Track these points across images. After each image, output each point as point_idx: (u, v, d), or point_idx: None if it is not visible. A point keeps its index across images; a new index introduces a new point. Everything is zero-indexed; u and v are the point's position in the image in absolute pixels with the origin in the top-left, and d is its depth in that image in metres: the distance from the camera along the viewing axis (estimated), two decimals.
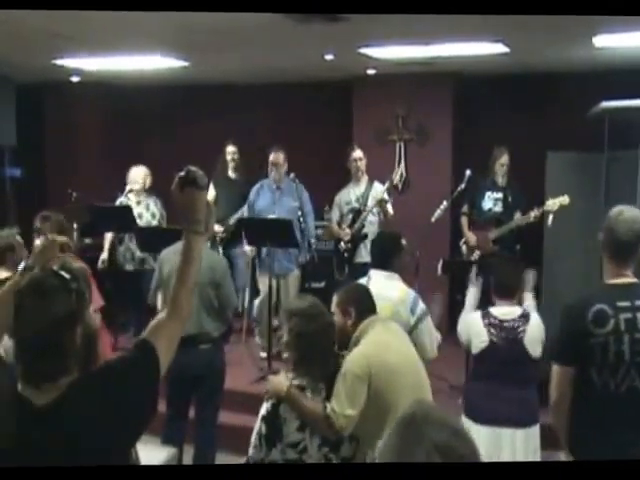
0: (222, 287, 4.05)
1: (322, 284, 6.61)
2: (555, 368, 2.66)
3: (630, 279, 2.61)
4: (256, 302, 5.89)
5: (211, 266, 4.01)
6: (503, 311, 3.50)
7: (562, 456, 2.73)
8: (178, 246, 4.23)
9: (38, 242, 3.83)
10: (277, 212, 5.63)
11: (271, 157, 5.74)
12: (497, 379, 3.40)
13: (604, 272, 2.66)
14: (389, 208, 5.79)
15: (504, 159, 5.89)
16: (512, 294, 3.55)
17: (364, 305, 2.96)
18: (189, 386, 4.12)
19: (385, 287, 3.62)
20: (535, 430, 3.46)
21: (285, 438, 2.57)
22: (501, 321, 3.45)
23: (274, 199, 5.71)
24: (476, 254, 5.83)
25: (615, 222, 2.61)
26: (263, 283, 5.77)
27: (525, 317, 3.48)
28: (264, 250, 5.66)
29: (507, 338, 3.42)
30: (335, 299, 3.02)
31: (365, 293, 3.06)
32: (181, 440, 4.09)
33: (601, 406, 2.55)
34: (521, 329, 3.41)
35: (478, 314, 3.54)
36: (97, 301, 3.90)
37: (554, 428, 2.75)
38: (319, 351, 2.68)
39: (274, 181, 5.76)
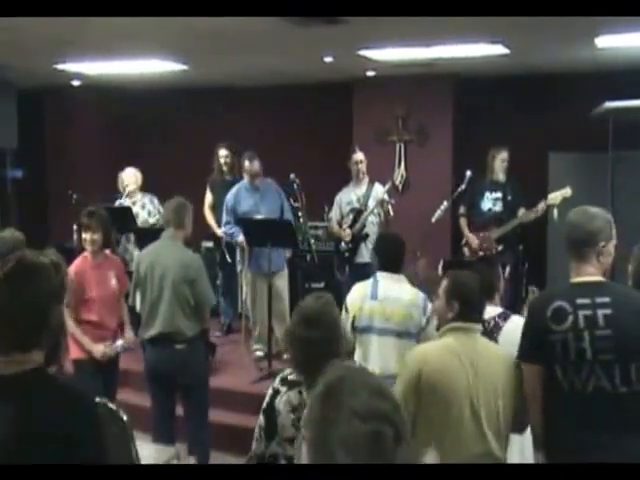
0: (197, 284, 4.07)
1: (322, 284, 6.63)
2: (522, 367, 2.62)
3: (593, 277, 2.56)
4: (247, 302, 5.92)
5: (185, 264, 4.07)
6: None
7: (540, 457, 2.69)
8: (154, 245, 4.35)
9: (87, 237, 4.12)
10: (262, 213, 5.64)
11: (249, 167, 5.68)
12: None
13: (569, 271, 2.63)
14: (390, 209, 5.81)
15: (504, 155, 5.91)
16: (492, 294, 3.46)
17: (468, 305, 2.71)
18: (168, 386, 4.16)
19: (395, 289, 3.65)
20: (527, 435, 3.42)
21: (281, 432, 2.57)
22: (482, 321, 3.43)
23: (255, 201, 5.72)
24: (479, 255, 5.84)
25: (570, 220, 2.63)
26: (251, 283, 5.78)
27: (504, 317, 3.40)
28: (254, 250, 5.68)
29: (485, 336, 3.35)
30: (444, 283, 2.81)
31: (474, 291, 2.76)
32: (171, 439, 4.12)
33: (569, 406, 2.51)
34: (497, 328, 3.34)
35: None
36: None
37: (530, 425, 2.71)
38: (318, 356, 2.56)
39: (250, 184, 5.76)
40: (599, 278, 2.58)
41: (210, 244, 6.75)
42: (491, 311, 3.42)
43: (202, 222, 6.35)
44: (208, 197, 6.50)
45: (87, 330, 4.11)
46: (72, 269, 3.98)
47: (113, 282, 4.27)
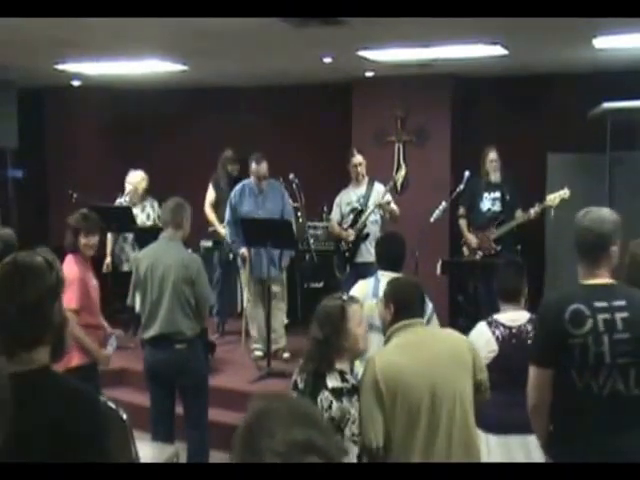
0: (197, 284, 4.10)
1: (320, 284, 6.65)
2: (533, 370, 2.59)
3: (605, 280, 2.55)
4: (247, 302, 5.95)
5: (185, 264, 4.09)
6: (510, 317, 3.40)
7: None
8: (153, 246, 4.37)
9: (88, 241, 4.02)
10: (262, 215, 5.67)
11: (256, 169, 5.70)
12: (507, 386, 3.23)
13: (578, 273, 2.61)
14: (394, 208, 5.81)
15: (492, 155, 5.92)
16: (516, 297, 3.47)
17: (403, 305, 2.87)
18: (167, 386, 4.19)
19: None
20: None
21: None
22: (509, 328, 3.36)
23: (257, 203, 5.75)
24: (479, 255, 5.85)
25: (580, 223, 2.60)
26: (251, 284, 5.81)
27: (534, 321, 3.31)
28: (252, 252, 5.70)
29: (516, 345, 3.31)
30: (385, 288, 3.02)
31: (408, 292, 2.94)
32: (171, 438, 4.14)
33: (584, 409, 2.50)
34: (530, 334, 3.29)
35: (484, 324, 3.44)
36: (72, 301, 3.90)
37: (534, 432, 2.71)
38: (317, 352, 2.71)
39: (256, 185, 5.79)
40: (610, 280, 2.57)
41: (209, 243, 6.72)
42: (518, 318, 3.40)
43: (201, 222, 6.36)
44: (210, 194, 6.45)
45: (90, 334, 4.02)
46: (75, 274, 3.92)
47: (95, 282, 4.20)
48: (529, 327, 3.33)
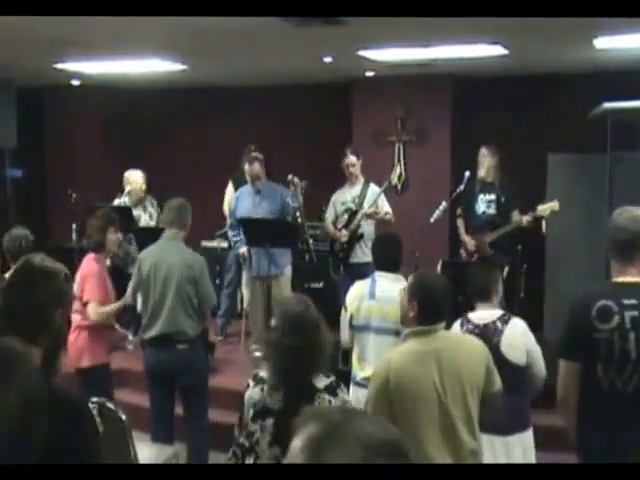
0: (200, 283, 4.10)
1: (320, 284, 6.64)
2: (561, 364, 2.65)
3: (637, 278, 2.59)
4: (246, 303, 5.96)
5: (188, 264, 4.09)
6: (480, 315, 3.44)
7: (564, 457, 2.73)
8: (156, 245, 4.39)
9: (117, 237, 4.31)
10: (259, 215, 5.67)
11: (249, 169, 5.73)
12: None
13: (611, 271, 2.67)
14: (385, 217, 5.79)
15: (483, 150, 5.90)
16: (488, 296, 3.49)
17: (428, 306, 2.74)
18: (168, 386, 4.19)
19: (393, 290, 3.67)
20: (519, 438, 3.35)
21: (245, 425, 2.61)
22: (476, 325, 3.38)
23: (254, 203, 5.75)
24: (475, 258, 5.84)
25: (615, 221, 2.64)
26: (250, 284, 5.82)
27: (504, 320, 3.38)
28: (252, 251, 5.71)
29: (484, 342, 3.25)
30: (409, 281, 2.89)
31: (434, 292, 2.76)
32: (170, 438, 4.14)
33: (608, 405, 2.54)
34: (498, 332, 3.32)
35: (458, 322, 3.47)
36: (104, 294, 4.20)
37: (563, 426, 2.74)
38: (301, 366, 2.55)
39: (251, 186, 5.79)
40: None
41: (224, 244, 6.67)
42: (491, 314, 3.43)
43: (203, 222, 6.33)
44: (230, 192, 6.39)
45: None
46: (94, 269, 4.14)
47: (109, 280, 4.41)
48: (498, 324, 3.37)
